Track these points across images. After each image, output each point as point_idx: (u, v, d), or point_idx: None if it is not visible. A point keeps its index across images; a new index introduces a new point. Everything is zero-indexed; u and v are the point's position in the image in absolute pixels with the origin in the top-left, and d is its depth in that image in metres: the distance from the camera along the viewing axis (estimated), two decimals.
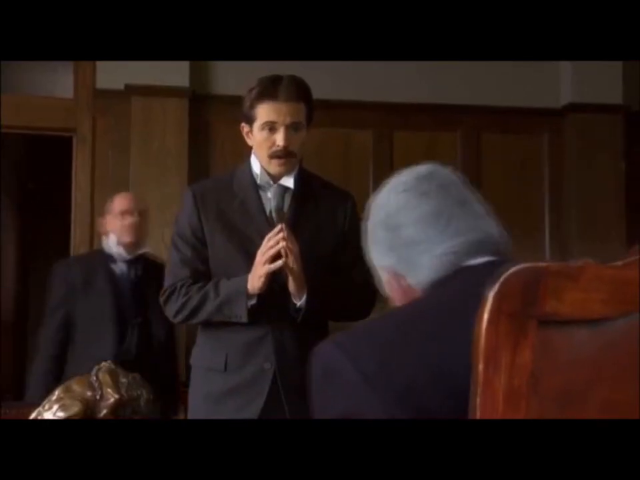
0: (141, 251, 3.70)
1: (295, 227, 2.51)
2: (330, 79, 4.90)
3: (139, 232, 3.69)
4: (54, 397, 2.00)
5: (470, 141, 5.13)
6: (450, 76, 5.02)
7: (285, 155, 2.53)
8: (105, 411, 2.01)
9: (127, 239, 3.65)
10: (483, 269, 1.17)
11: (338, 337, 1.21)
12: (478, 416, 0.86)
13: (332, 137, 5.03)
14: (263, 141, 2.54)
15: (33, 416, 2.01)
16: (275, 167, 2.56)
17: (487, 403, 0.85)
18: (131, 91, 4.76)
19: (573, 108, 5.10)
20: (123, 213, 3.67)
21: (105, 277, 3.64)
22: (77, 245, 4.80)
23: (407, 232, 1.26)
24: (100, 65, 4.79)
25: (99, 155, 4.84)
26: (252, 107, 2.58)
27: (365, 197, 5.36)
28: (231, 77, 4.85)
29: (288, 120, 2.52)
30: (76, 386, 2.01)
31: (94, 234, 4.81)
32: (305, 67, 4.74)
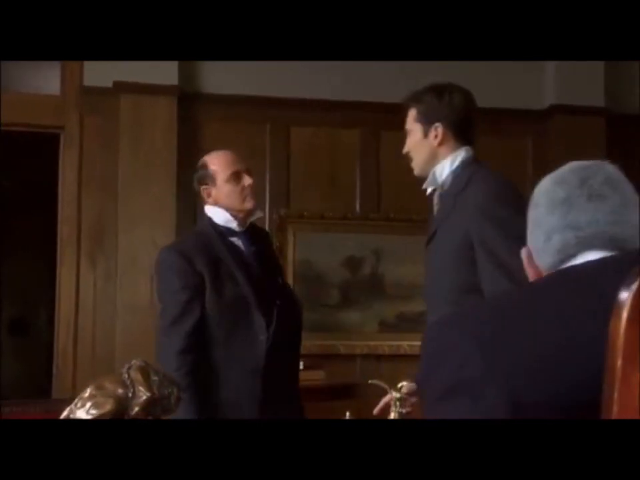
0: (256, 216, 3.11)
1: None
2: (318, 78, 4.94)
3: (254, 193, 3.05)
4: (86, 395, 2.00)
5: None
6: (436, 77, 5.03)
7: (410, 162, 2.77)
8: (136, 409, 2.01)
9: (248, 204, 3.00)
10: (592, 267, 1.21)
11: (452, 313, 1.26)
12: (615, 410, 0.89)
13: (320, 136, 5.06)
14: None
15: (64, 414, 2.01)
16: None
17: (624, 398, 0.88)
18: (120, 88, 4.74)
19: (557, 110, 5.19)
20: (236, 174, 3.02)
21: (230, 258, 2.98)
22: (64, 243, 4.77)
23: (539, 212, 1.32)
24: (88, 61, 4.76)
25: (87, 153, 4.81)
26: None
27: (353, 195, 5.43)
28: (220, 75, 4.86)
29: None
30: (108, 383, 2.02)
31: (81, 232, 4.79)
32: (293, 66, 4.79)
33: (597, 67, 5.10)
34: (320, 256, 4.97)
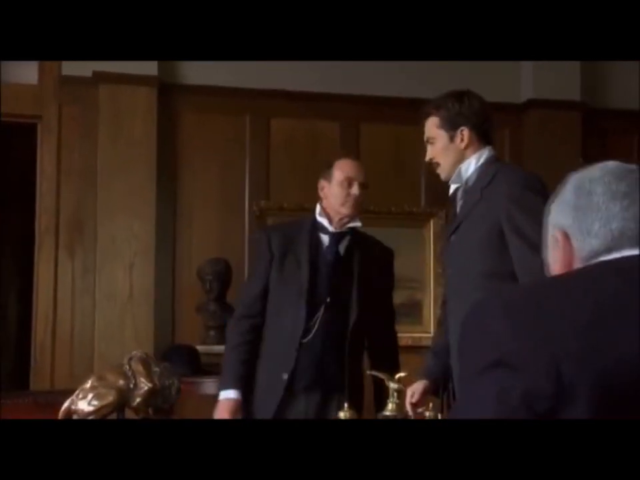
0: (351, 225, 3.25)
1: None
2: (297, 71, 4.93)
3: (360, 206, 3.23)
4: (88, 386, 2.00)
5: None
6: (415, 71, 5.09)
7: (435, 165, 2.81)
8: (138, 400, 2.02)
9: (346, 211, 3.20)
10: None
11: (488, 295, 1.29)
12: None
13: (300, 128, 5.07)
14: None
15: (66, 405, 2.01)
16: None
17: None
18: (99, 78, 4.70)
19: (534, 104, 5.24)
20: (348, 181, 3.21)
21: (306, 248, 3.21)
22: (42, 233, 4.73)
23: (595, 199, 1.33)
24: None
25: (65, 143, 4.78)
26: None
27: None
28: (200, 66, 4.84)
29: (425, 138, 2.82)
30: (109, 375, 2.02)
31: (59, 222, 4.76)
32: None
33: (573, 63, 5.16)
34: None
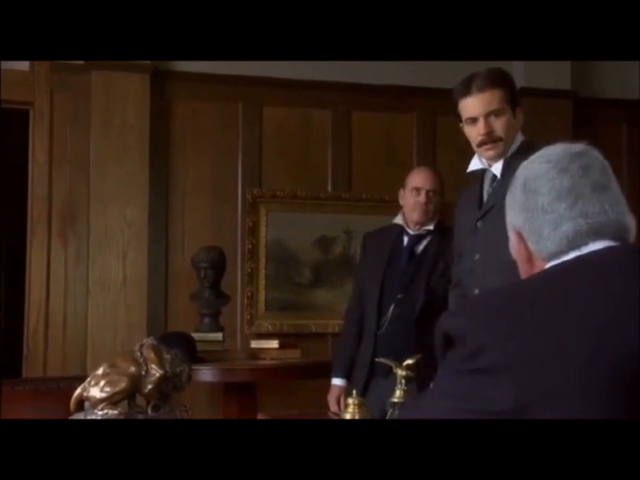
0: (428, 227, 3.65)
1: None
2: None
3: (427, 212, 3.62)
4: (100, 372, 2.00)
5: (426, 123, 5.24)
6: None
7: (490, 141, 2.69)
8: (149, 387, 2.02)
9: (414, 217, 3.63)
10: (606, 255, 1.25)
11: (461, 306, 1.29)
12: None
13: (292, 116, 5.07)
14: (470, 134, 2.75)
15: (78, 392, 2.01)
16: (484, 153, 2.73)
17: None
18: (91, 65, 4.67)
19: (525, 92, 5.25)
20: (417, 190, 3.62)
21: (386, 249, 3.67)
22: (35, 221, 4.71)
23: (541, 199, 1.33)
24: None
25: (58, 130, 4.75)
26: (457, 108, 2.79)
27: (325, 174, 5.45)
28: None
29: (483, 110, 2.70)
30: (121, 362, 2.02)
31: (52, 210, 4.74)
32: None
33: None
34: (292, 235, 4.99)
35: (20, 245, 4.83)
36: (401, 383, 2.23)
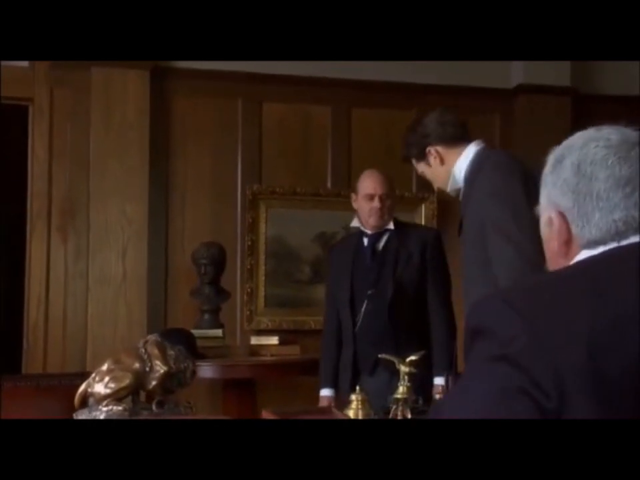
0: (387, 227, 3.72)
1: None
2: None
3: (384, 215, 3.68)
4: (104, 368, 2.01)
5: None
6: None
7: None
8: (154, 383, 2.03)
9: (372, 222, 3.69)
10: None
11: (495, 292, 1.27)
12: None
13: (292, 112, 5.08)
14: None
15: (82, 388, 2.02)
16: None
17: None
18: (91, 61, 4.66)
19: (524, 89, 5.27)
20: (370, 196, 3.67)
21: (350, 253, 3.76)
22: (35, 217, 4.71)
23: (597, 185, 1.28)
24: None
25: (57, 126, 4.75)
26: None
27: (324, 171, 5.45)
28: None
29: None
30: (125, 358, 2.03)
31: (52, 206, 4.74)
32: None
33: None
34: (292, 232, 5.00)
35: (20, 240, 4.83)
36: (404, 379, 2.24)
